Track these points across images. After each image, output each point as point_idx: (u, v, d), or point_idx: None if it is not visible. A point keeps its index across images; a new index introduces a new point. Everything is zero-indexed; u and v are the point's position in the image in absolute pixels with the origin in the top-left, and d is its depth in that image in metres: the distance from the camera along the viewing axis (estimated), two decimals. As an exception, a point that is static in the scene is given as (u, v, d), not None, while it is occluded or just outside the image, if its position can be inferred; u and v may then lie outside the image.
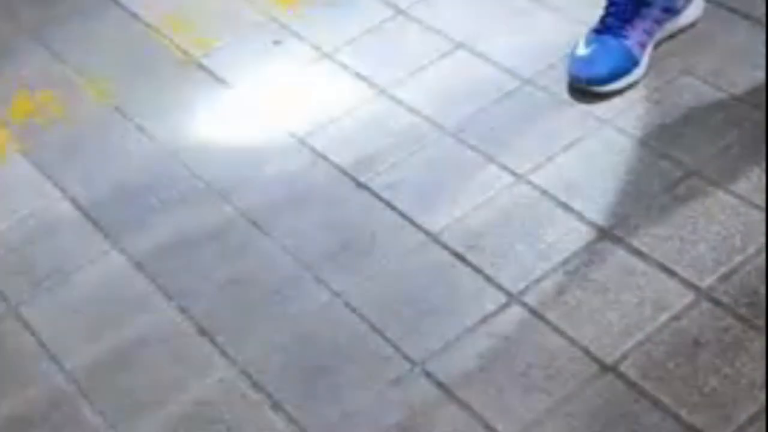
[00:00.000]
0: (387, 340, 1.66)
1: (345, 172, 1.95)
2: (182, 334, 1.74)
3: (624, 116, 1.95)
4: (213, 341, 1.73)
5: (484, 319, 1.67)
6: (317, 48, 2.24)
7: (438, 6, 2.29)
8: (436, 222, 1.83)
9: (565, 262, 1.73)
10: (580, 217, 1.80)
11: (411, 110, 2.06)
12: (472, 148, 1.95)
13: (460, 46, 2.18)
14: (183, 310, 1.78)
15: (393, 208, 1.87)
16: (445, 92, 2.08)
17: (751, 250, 1.69)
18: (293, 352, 1.68)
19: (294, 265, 1.81)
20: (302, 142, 2.04)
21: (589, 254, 1.74)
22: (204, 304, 1.79)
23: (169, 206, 1.96)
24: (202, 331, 1.75)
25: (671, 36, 2.06)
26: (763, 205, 1.76)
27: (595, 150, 1.91)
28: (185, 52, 2.29)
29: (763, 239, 1.71)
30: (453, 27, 2.22)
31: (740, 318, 1.61)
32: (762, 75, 1.97)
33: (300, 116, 2.10)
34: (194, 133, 2.12)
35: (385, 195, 1.90)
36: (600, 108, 1.98)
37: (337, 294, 1.74)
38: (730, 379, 1.54)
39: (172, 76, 2.25)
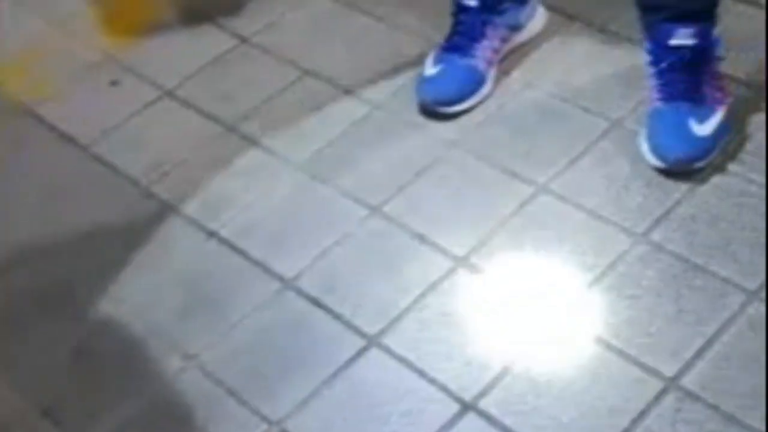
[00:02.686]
0: (243, 403, 1.60)
1: (193, 221, 1.88)
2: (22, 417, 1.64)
3: (474, 136, 1.93)
4: (58, 424, 1.63)
5: (343, 367, 1.62)
6: (157, 86, 2.15)
7: (283, 33, 2.23)
8: (291, 267, 1.77)
9: (423, 296, 1.70)
10: (436, 246, 1.77)
11: (259, 146, 2.00)
12: (325, 182, 1.90)
13: (307, 73, 2.12)
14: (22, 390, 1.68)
15: (246, 256, 1.81)
16: (295, 124, 2.02)
17: (604, 264, 1.68)
18: (147, 427, 1.62)
19: (143, 329, 1.73)
20: (146, 191, 1.95)
21: (448, 285, 1.72)
22: (47, 382, 1.68)
23: None
24: (45, 413, 1.64)
25: (514, 50, 2.05)
26: (613, 218, 1.75)
27: (447, 174, 1.88)
28: (17, 100, 2.18)
29: (614, 253, 1.72)
30: (299, 54, 2.16)
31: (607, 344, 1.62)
32: (606, 81, 1.98)
33: (141, 162, 2.00)
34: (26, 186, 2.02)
35: (237, 242, 1.83)
36: (450, 129, 1.95)
37: (190, 357, 1.68)
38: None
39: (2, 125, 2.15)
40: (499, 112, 1.96)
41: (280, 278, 1.76)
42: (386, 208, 1.84)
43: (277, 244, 1.82)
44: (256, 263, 1.80)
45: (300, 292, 1.74)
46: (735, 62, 1.90)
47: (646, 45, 1.86)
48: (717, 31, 1.83)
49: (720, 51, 1.83)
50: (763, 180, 1.76)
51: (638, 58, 1.91)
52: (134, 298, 1.78)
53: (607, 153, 1.86)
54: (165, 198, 1.93)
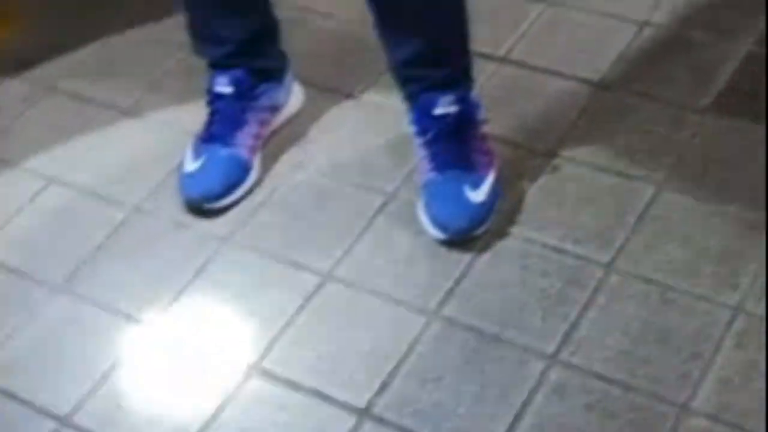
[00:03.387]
0: None
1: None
2: None
3: (247, 229, 1.83)
4: None
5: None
6: None
7: (19, 140, 2.05)
8: (63, 403, 1.60)
9: (222, 408, 1.58)
10: (226, 357, 1.65)
11: (7, 269, 1.82)
12: (89, 301, 1.74)
13: (52, 181, 1.95)
14: None
15: (12, 396, 1.63)
16: (44, 240, 1.86)
17: (401, 352, 1.63)
18: None
19: None
20: None
21: (244, 399, 1.60)
22: None
23: None
24: None
25: (277, 131, 1.98)
26: (404, 298, 1.69)
27: (223, 274, 1.77)
28: None
29: (410, 335, 1.66)
30: (41, 162, 1.99)
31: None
32: (375, 153, 1.93)
33: None
34: None
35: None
36: (220, 225, 1.84)
37: None
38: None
39: None
40: (271, 199, 1.88)
41: (54, 417, 1.60)
42: (143, 316, 1.72)
43: (46, 379, 1.67)
44: (25, 403, 1.64)
45: (79, 429, 1.61)
46: (494, 121, 1.89)
47: (410, 116, 1.83)
48: (475, 94, 1.83)
49: (482, 114, 1.83)
50: (542, 237, 1.76)
51: (403, 126, 1.88)
52: None
53: (387, 229, 1.81)
54: None
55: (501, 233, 1.77)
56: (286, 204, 1.87)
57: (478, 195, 1.76)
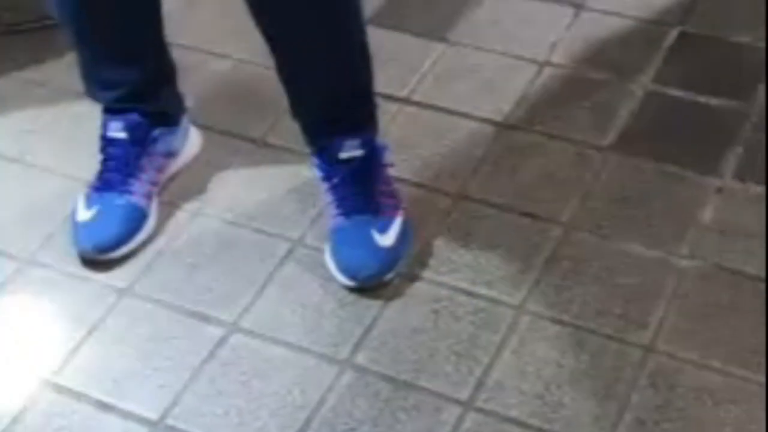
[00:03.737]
0: None
1: None
2: None
3: (147, 280, 1.76)
4: None
5: None
6: None
7: None
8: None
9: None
10: (124, 414, 1.58)
11: None
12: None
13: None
14: None
15: None
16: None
17: (312, 403, 1.57)
18: None
19: None
20: None
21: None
22: None
23: None
24: None
25: (174, 177, 1.91)
26: (314, 348, 1.64)
27: (123, 328, 1.69)
28: None
29: (321, 386, 1.60)
30: None
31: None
32: (279, 198, 1.88)
33: None
34: None
35: None
36: (118, 277, 1.76)
37: None
38: None
39: None
40: (170, 248, 1.81)
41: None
42: (59, 380, 1.63)
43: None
44: None
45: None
46: (399, 163, 1.87)
47: (315, 160, 1.79)
48: (380, 136, 1.80)
49: (388, 157, 1.79)
50: (453, 281, 1.73)
51: (307, 170, 1.85)
52: None
53: (294, 277, 1.75)
54: None
55: (411, 277, 1.73)
56: (186, 253, 1.81)
57: (386, 239, 1.73)
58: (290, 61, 1.70)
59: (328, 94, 1.72)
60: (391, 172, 1.84)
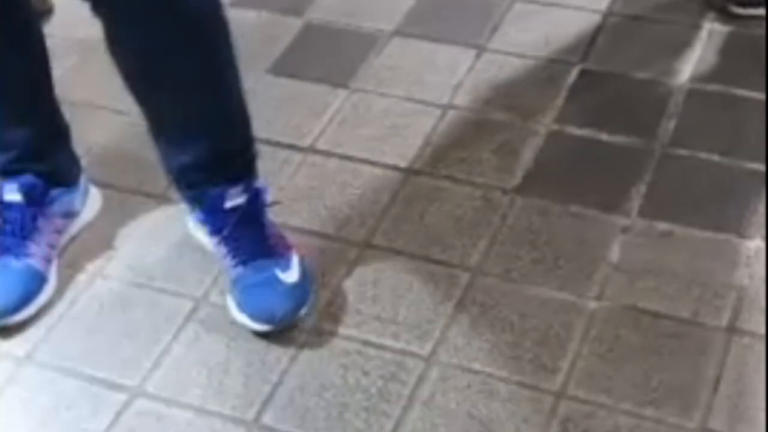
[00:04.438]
0: None
1: None
2: None
3: (47, 346, 1.70)
4: None
5: None
6: None
7: None
8: None
9: None
10: (25, 489, 1.54)
11: None
12: None
13: None
14: None
15: None
16: None
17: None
18: None
19: None
20: None
21: None
22: None
23: None
24: None
25: (75, 238, 1.85)
26: (220, 410, 1.59)
27: (23, 398, 1.63)
28: None
29: None
30: None
31: None
32: (180, 255, 1.83)
33: None
34: None
35: None
36: (17, 344, 1.70)
37: None
38: None
39: None
40: (71, 312, 1.75)
41: None
42: (-44, 454, 1.59)
43: None
44: None
45: None
46: (304, 214, 1.85)
47: (200, 216, 1.75)
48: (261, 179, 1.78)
49: (269, 196, 1.75)
50: (361, 333, 1.69)
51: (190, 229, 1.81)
52: None
53: (198, 336, 1.71)
54: None
55: (319, 332, 1.70)
56: (88, 316, 1.75)
57: (291, 276, 1.69)
58: (164, 124, 1.68)
59: (207, 154, 1.69)
60: (297, 222, 1.83)
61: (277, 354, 1.67)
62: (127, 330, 1.73)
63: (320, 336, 1.70)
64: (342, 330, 1.71)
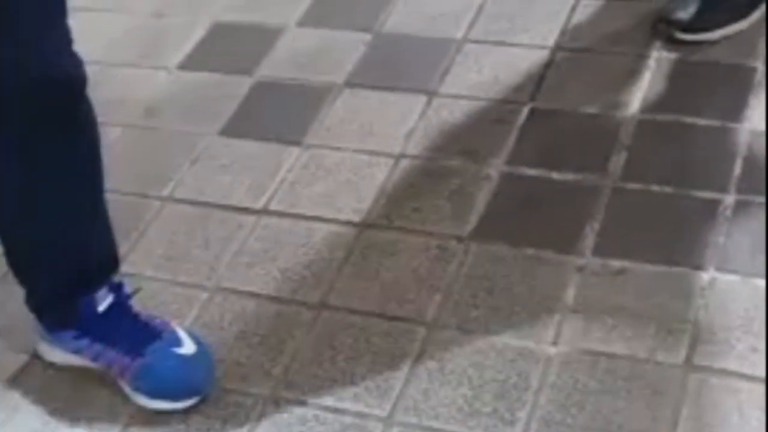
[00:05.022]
0: None
1: None
2: None
3: None
4: None
5: None
6: None
7: None
8: None
9: None
10: None
11: None
12: None
13: None
14: None
15: None
16: None
17: None
18: None
19: None
20: None
21: None
22: None
23: None
24: None
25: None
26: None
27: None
28: None
29: None
30: None
31: None
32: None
33: None
34: None
35: None
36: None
37: None
38: None
39: None
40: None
41: None
42: None
43: None
44: None
45: None
46: (258, 279, 1.84)
47: (73, 334, 1.69)
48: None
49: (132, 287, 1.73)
50: (318, 398, 1.67)
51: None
52: None
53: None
54: None
55: (275, 399, 1.68)
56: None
57: (189, 347, 1.69)
58: (23, 251, 1.66)
59: (70, 276, 1.66)
60: (252, 287, 1.83)
61: (235, 425, 1.67)
62: None
63: (277, 404, 1.68)
64: (299, 396, 1.69)
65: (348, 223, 1.98)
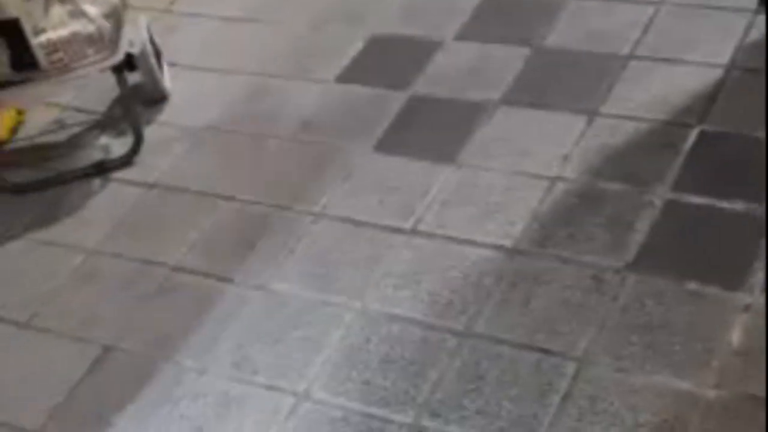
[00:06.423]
0: None
1: None
2: None
3: None
4: None
5: None
6: None
7: None
8: None
9: None
10: None
11: None
12: None
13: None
14: None
15: None
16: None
17: None
18: None
19: None
20: None
21: None
22: None
23: None
24: None
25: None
26: None
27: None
28: None
29: None
30: None
31: None
32: None
33: None
34: None
35: None
36: None
37: None
38: None
39: None
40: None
41: None
42: None
43: None
44: None
45: None
46: (403, 301, 1.79)
47: None
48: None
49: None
50: (464, 430, 1.64)
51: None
52: None
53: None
54: None
55: (419, 429, 1.61)
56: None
57: None
58: None
59: None
60: (399, 311, 1.78)
61: (375, 455, 1.63)
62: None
63: (418, 435, 1.66)
64: (443, 426, 1.63)
65: (499, 247, 1.90)
